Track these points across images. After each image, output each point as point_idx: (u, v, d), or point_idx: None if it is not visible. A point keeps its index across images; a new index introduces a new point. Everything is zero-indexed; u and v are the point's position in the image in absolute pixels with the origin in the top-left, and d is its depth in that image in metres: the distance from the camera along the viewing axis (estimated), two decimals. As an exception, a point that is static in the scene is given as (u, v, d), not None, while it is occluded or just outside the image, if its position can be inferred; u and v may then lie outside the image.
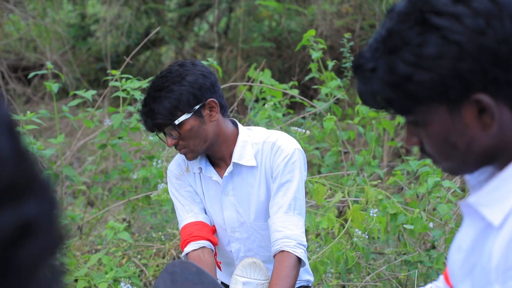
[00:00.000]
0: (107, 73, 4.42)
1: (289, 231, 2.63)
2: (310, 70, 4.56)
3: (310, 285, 2.98)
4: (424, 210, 3.90)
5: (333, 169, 4.52)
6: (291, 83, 4.67)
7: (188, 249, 2.73)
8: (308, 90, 8.16)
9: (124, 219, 4.99)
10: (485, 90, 1.26)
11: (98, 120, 4.53)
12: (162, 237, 4.47)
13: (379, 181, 4.17)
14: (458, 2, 1.26)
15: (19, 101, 8.98)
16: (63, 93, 8.99)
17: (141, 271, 4.14)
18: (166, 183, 3.92)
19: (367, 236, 3.50)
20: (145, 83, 4.27)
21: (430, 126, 1.34)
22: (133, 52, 5.05)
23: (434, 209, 4.15)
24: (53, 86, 4.20)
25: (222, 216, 2.80)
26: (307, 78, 4.54)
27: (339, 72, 5.41)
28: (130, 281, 3.56)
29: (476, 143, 1.31)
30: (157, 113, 2.57)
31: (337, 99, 4.52)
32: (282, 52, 9.44)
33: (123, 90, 4.24)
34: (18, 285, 0.76)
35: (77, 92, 4.25)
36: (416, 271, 3.81)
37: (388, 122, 4.34)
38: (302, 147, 2.76)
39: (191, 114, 2.59)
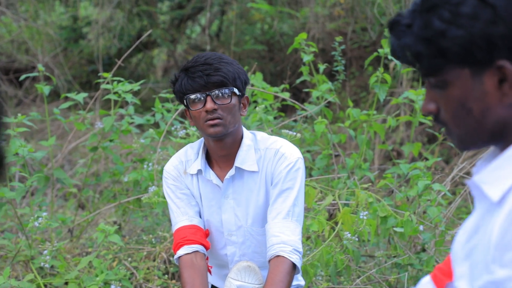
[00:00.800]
0: (99, 76, 4.42)
1: (286, 236, 2.63)
2: (301, 73, 4.56)
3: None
4: (414, 213, 3.91)
5: (324, 172, 4.53)
6: (282, 86, 4.67)
7: (181, 252, 2.73)
8: (300, 93, 8.17)
9: (115, 222, 4.98)
10: (509, 58, 1.33)
11: (89, 123, 4.53)
12: (153, 240, 4.46)
13: (370, 184, 4.17)
14: None
15: (11, 104, 8.97)
16: (55, 95, 8.98)
17: (132, 274, 4.13)
18: (157, 186, 3.92)
19: (357, 239, 3.51)
20: (136, 86, 4.26)
21: (451, 89, 1.40)
22: (125, 55, 5.05)
23: (424, 212, 4.16)
24: (44, 89, 4.19)
25: (220, 219, 2.81)
26: (298, 81, 4.55)
27: (330, 75, 5.42)
28: (120, 284, 3.56)
29: (490, 112, 1.37)
30: (224, 72, 2.60)
31: (328, 102, 4.53)
32: (274, 55, 9.46)
33: (115, 93, 4.24)
34: None
35: (68, 95, 4.25)
36: (406, 274, 3.82)
37: (379, 125, 4.35)
38: None
39: (241, 94, 2.69)
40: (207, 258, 2.81)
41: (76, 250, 4.51)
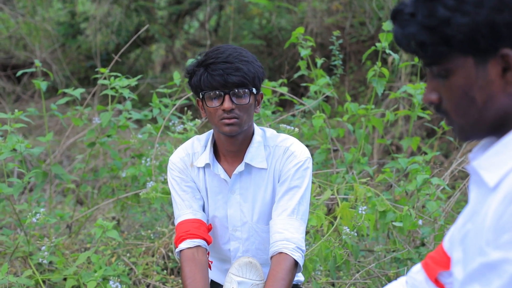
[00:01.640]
0: (97, 71, 4.40)
1: (290, 234, 2.62)
2: (299, 68, 4.56)
3: (300, 284, 2.98)
4: (413, 207, 3.90)
5: (322, 167, 4.52)
6: (280, 81, 4.66)
7: (183, 246, 2.71)
8: (298, 88, 8.16)
9: (113, 218, 4.98)
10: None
11: (87, 118, 4.52)
12: (152, 235, 4.46)
13: (369, 178, 4.17)
14: None
15: (9, 100, 8.96)
16: (53, 91, 8.97)
17: (131, 269, 4.13)
18: (155, 181, 3.92)
19: (356, 234, 3.50)
20: (134, 81, 4.25)
21: (454, 77, 1.41)
22: (122, 50, 5.04)
23: (423, 206, 4.16)
24: (42, 84, 4.18)
25: (225, 214, 2.79)
26: (296, 75, 4.54)
27: (328, 69, 5.41)
28: (119, 280, 3.55)
29: (493, 101, 1.38)
30: (245, 72, 2.57)
31: (327, 96, 4.52)
32: (272, 50, 9.45)
33: (112, 88, 4.23)
34: None
35: (66, 90, 4.24)
36: (406, 268, 3.81)
37: (378, 120, 4.34)
38: None
39: (257, 92, 2.66)
40: (208, 253, 2.80)
41: (75, 246, 4.51)
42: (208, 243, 2.76)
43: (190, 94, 4.37)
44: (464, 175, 5.60)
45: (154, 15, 9.87)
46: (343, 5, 8.60)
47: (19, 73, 4.25)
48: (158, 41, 10.03)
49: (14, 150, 3.78)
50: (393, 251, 4.09)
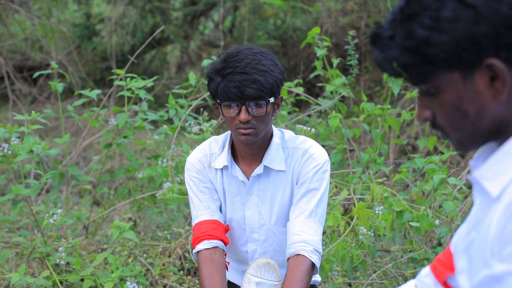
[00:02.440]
0: (112, 73, 4.42)
1: (308, 236, 2.62)
2: (315, 68, 4.55)
3: (317, 284, 2.97)
4: (430, 207, 3.88)
5: (339, 167, 4.51)
6: (296, 81, 4.65)
7: (200, 246, 2.70)
8: (314, 88, 8.15)
9: (130, 218, 4.99)
10: (497, 56, 1.31)
11: (103, 120, 4.53)
12: (168, 236, 4.46)
13: (385, 178, 4.15)
14: None
15: (25, 101, 9.00)
16: (69, 92, 9.02)
17: (147, 270, 4.14)
18: (172, 182, 3.92)
19: (372, 234, 3.49)
20: (150, 82, 4.26)
21: (443, 94, 1.39)
22: (138, 51, 5.05)
23: (440, 206, 4.14)
24: (58, 86, 4.20)
25: (243, 215, 2.79)
26: (312, 75, 4.53)
27: (344, 69, 5.40)
28: (136, 280, 3.55)
29: (486, 111, 1.36)
30: (262, 84, 2.52)
31: (342, 96, 4.51)
32: (288, 50, 9.44)
33: (128, 89, 4.24)
34: None
35: (82, 92, 4.25)
36: (423, 268, 3.80)
37: (394, 120, 4.32)
38: None
39: (275, 99, 2.60)
40: (225, 254, 2.80)
41: (92, 247, 4.52)
42: (226, 244, 2.76)
43: (206, 94, 4.37)
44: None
45: (169, 16, 9.89)
46: (358, 5, 8.58)
47: (36, 74, 4.28)
48: (173, 42, 10.04)
49: (31, 151, 3.79)
50: (410, 251, 4.07)
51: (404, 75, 1.44)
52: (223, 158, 2.73)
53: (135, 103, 4.43)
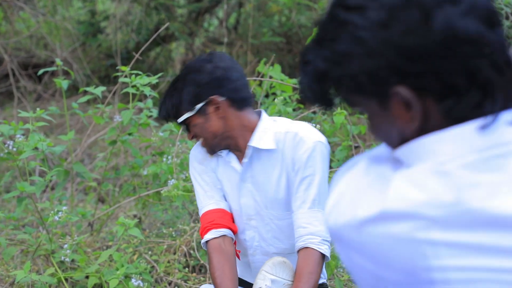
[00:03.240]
0: (117, 70, 4.41)
1: (314, 227, 2.60)
2: (320, 65, 4.52)
3: (325, 281, 2.94)
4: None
5: (344, 164, 4.49)
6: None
7: (208, 236, 2.70)
8: (319, 85, 8.13)
9: (135, 216, 4.99)
10: (404, 83, 1.20)
11: (108, 117, 4.53)
12: (173, 233, 4.46)
13: (390, 175, 4.13)
14: None
15: (30, 98, 9.01)
16: (74, 90, 9.01)
17: (152, 267, 4.13)
18: (177, 179, 3.92)
19: (378, 231, 3.47)
20: (154, 79, 4.25)
21: (370, 118, 1.31)
22: (143, 48, 5.05)
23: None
24: (63, 83, 4.19)
25: (238, 203, 2.77)
26: (317, 72, 4.51)
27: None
28: (141, 278, 3.55)
29: (404, 134, 1.26)
30: (165, 111, 2.70)
31: (348, 93, 4.48)
32: (292, 47, 9.42)
33: (133, 86, 4.23)
34: None
35: (87, 89, 4.25)
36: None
37: (399, 116, 4.30)
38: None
39: (193, 112, 2.63)
40: (235, 243, 2.78)
41: (97, 244, 4.52)
42: (234, 232, 2.75)
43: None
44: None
45: (174, 13, 9.88)
46: (363, 2, 8.55)
47: (40, 72, 4.27)
48: (178, 39, 10.04)
49: (36, 148, 3.79)
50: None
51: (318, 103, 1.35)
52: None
53: (140, 100, 4.42)
